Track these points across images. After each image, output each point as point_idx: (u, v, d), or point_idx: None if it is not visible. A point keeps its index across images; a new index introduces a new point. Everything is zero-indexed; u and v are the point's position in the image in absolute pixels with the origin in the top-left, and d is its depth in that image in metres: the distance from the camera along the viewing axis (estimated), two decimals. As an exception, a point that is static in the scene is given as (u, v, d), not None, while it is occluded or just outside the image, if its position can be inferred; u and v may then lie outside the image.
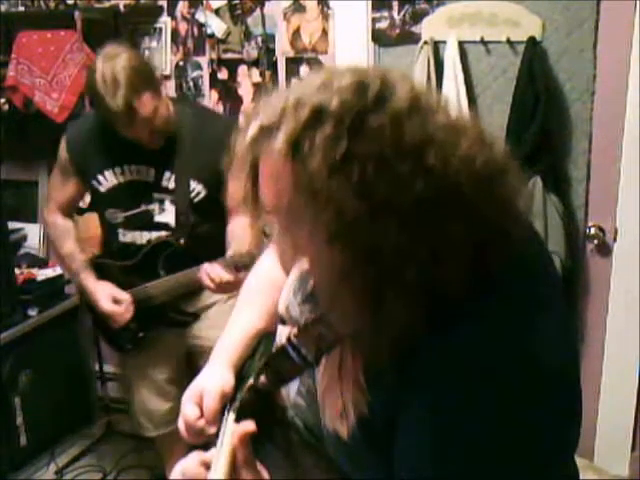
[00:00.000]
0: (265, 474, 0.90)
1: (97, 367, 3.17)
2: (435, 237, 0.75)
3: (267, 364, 0.99)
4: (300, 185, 0.75)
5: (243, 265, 2.01)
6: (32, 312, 2.78)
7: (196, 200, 2.14)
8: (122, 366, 2.53)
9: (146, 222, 2.15)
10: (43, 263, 3.02)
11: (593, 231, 2.38)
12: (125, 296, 2.16)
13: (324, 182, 0.73)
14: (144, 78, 1.96)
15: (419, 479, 0.80)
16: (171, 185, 2.13)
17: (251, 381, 1.00)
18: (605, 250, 2.40)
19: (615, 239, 2.35)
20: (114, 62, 1.91)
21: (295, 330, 0.96)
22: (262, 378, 0.98)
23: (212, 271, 2.01)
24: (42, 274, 2.94)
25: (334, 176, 0.73)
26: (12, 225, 2.97)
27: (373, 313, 0.78)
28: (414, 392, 0.79)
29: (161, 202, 2.15)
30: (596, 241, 2.39)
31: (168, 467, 2.59)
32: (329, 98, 0.75)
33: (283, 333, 1.03)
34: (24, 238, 3.15)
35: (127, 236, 2.17)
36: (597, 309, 2.43)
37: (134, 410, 2.45)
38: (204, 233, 2.19)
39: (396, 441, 0.82)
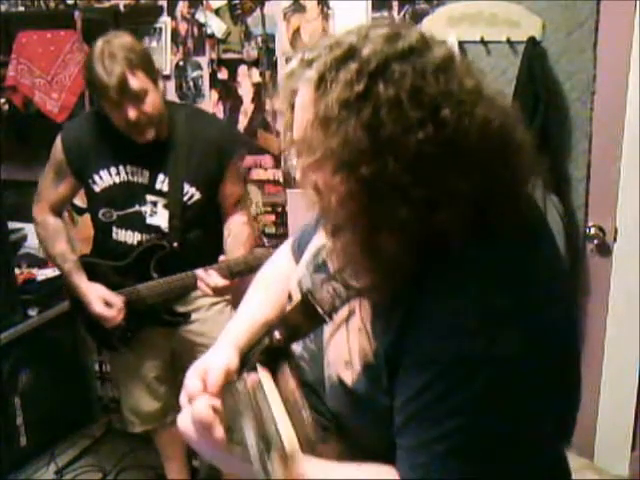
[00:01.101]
0: None
1: (97, 367, 3.18)
2: (434, 185, 0.81)
3: (283, 320, 1.03)
4: (317, 113, 0.83)
5: (238, 271, 2.02)
6: (32, 312, 2.78)
7: (189, 203, 2.14)
8: (112, 364, 2.54)
9: (138, 223, 2.15)
10: (43, 263, 3.02)
11: (593, 231, 2.38)
12: (117, 299, 2.15)
13: (337, 113, 0.81)
14: (141, 57, 2.00)
15: (417, 418, 0.84)
16: (165, 188, 2.13)
17: (266, 342, 1.04)
18: (605, 250, 2.40)
19: (615, 239, 2.35)
20: (113, 41, 1.96)
21: (311, 287, 1.01)
22: (277, 334, 1.02)
23: (207, 277, 2.01)
24: (42, 274, 2.94)
25: (347, 109, 0.80)
26: (12, 225, 2.97)
27: (369, 246, 0.84)
28: (416, 336, 0.83)
29: (154, 204, 2.15)
30: (596, 241, 2.39)
31: (168, 467, 2.60)
32: (363, 43, 0.83)
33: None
34: (24, 238, 3.15)
35: (120, 235, 2.17)
36: (597, 309, 2.43)
37: (122, 406, 2.47)
38: (197, 236, 2.19)
39: (398, 383, 0.86)
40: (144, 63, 2.00)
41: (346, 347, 0.94)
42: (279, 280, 1.21)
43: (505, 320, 0.81)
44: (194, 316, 2.26)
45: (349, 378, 0.92)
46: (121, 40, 1.98)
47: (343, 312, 0.97)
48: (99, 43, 1.97)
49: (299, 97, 0.87)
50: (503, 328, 0.81)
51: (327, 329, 1.00)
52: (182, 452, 2.59)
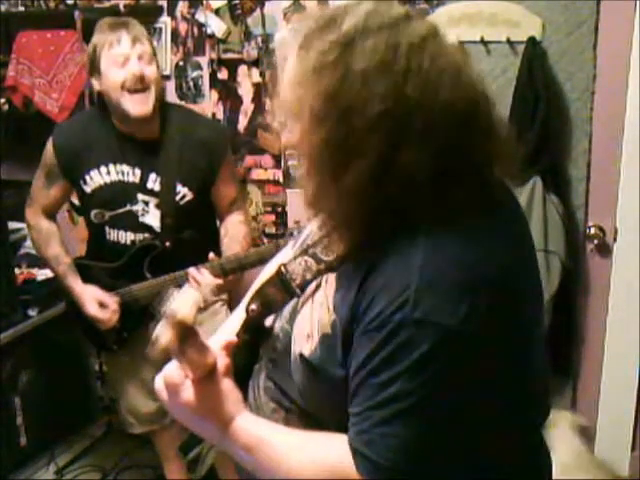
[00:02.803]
0: (237, 392, 0.99)
1: (97, 367, 3.17)
2: (387, 157, 0.85)
3: (259, 291, 1.06)
4: (292, 78, 0.90)
5: (231, 269, 2.02)
6: (32, 312, 2.78)
7: (182, 203, 2.14)
8: (108, 365, 2.54)
9: (131, 223, 2.14)
10: (43, 263, 3.01)
11: (593, 231, 2.38)
12: (111, 301, 2.15)
13: (306, 79, 0.87)
14: (149, 37, 2.12)
15: (364, 384, 0.86)
16: (156, 187, 2.13)
17: (245, 316, 1.07)
18: (605, 250, 2.40)
19: (615, 239, 2.35)
20: (118, 17, 2.12)
21: (286, 261, 1.05)
22: (253, 306, 1.06)
23: (199, 276, 2.01)
24: (42, 274, 2.94)
25: (315, 76, 0.86)
26: (12, 225, 2.97)
27: (319, 208, 0.92)
28: (366, 305, 0.87)
29: (146, 204, 2.14)
30: (596, 241, 2.39)
31: (167, 467, 2.60)
32: (345, 16, 0.88)
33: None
34: (24, 238, 3.15)
35: (112, 235, 2.17)
36: (597, 309, 2.43)
37: (120, 408, 2.46)
38: (189, 236, 2.18)
39: (351, 354, 0.89)
40: (151, 43, 2.11)
41: (309, 321, 0.96)
42: None
43: (451, 289, 0.83)
44: None
45: (307, 350, 0.94)
46: (129, 18, 2.12)
47: (311, 287, 1.01)
48: (101, 22, 2.08)
49: (289, 61, 0.92)
50: (448, 296, 0.83)
51: (300, 303, 1.02)
52: (181, 454, 2.59)
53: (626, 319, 2.37)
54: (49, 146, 2.17)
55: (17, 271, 2.88)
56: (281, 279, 1.03)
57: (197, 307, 0.95)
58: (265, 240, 2.83)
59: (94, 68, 2.06)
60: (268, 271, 1.23)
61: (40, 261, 3.01)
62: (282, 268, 1.04)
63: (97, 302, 2.15)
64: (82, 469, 2.91)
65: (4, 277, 2.67)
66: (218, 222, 2.29)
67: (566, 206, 2.34)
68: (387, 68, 0.85)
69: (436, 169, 0.86)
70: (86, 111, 2.24)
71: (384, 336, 0.83)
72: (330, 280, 0.97)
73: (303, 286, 1.01)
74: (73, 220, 3.08)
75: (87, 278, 2.20)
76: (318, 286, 0.99)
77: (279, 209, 2.80)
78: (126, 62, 2.00)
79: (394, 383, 0.83)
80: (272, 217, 2.82)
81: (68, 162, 2.15)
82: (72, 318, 2.34)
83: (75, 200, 2.78)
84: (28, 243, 3.14)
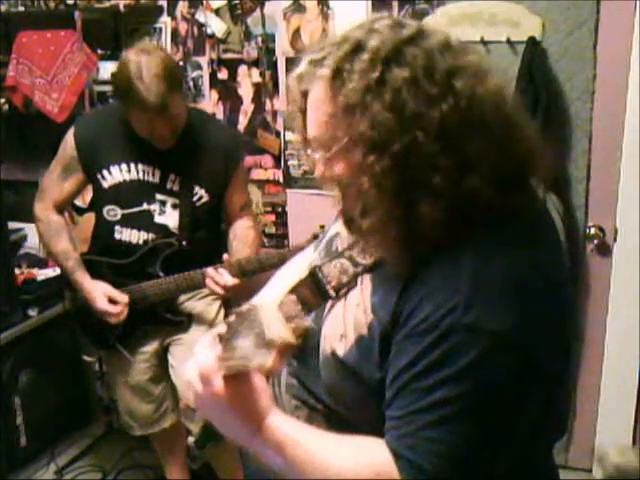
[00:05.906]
0: (268, 389, 0.97)
1: (97, 367, 3.17)
2: (461, 151, 0.85)
3: (293, 290, 1.04)
4: (339, 103, 0.87)
5: (250, 270, 2.03)
6: (32, 312, 2.78)
7: (198, 204, 2.16)
8: (107, 364, 2.54)
9: (145, 222, 2.15)
10: (43, 263, 3.01)
11: (593, 231, 2.39)
12: (122, 296, 2.15)
13: (360, 100, 0.85)
14: (178, 79, 2.01)
15: (408, 388, 0.85)
16: (175, 188, 2.14)
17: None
18: (605, 250, 2.40)
19: (615, 239, 2.36)
20: (151, 57, 1.92)
21: (321, 262, 1.04)
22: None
23: (217, 275, 2.02)
24: (42, 274, 2.94)
25: (368, 95, 0.85)
26: (12, 225, 2.97)
27: (405, 215, 0.87)
28: (410, 308, 0.86)
29: (163, 204, 2.15)
30: (596, 241, 2.39)
31: (167, 467, 2.59)
32: (370, 35, 0.89)
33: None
34: (24, 238, 3.15)
35: (123, 234, 2.16)
36: (597, 309, 2.43)
37: (120, 410, 2.46)
38: (203, 237, 2.20)
39: (391, 357, 0.88)
40: (180, 83, 2.03)
41: (342, 321, 0.96)
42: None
43: (499, 295, 0.83)
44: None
45: (341, 350, 0.94)
46: (158, 57, 1.93)
47: (345, 288, 1.00)
48: (133, 57, 1.92)
49: (312, 96, 0.90)
50: (499, 302, 0.83)
51: (329, 304, 1.01)
52: (182, 455, 2.58)
53: (626, 319, 2.37)
54: (69, 138, 2.16)
55: (17, 271, 2.88)
56: (316, 281, 1.02)
57: (287, 323, 0.93)
58: (265, 240, 2.83)
59: (122, 103, 2.00)
60: (288, 272, 1.22)
61: (40, 261, 3.03)
62: (317, 270, 1.02)
63: (107, 298, 2.15)
64: (82, 469, 2.91)
65: (4, 277, 2.67)
66: (226, 226, 2.30)
67: (566, 206, 2.34)
68: (432, 71, 0.85)
69: (495, 163, 0.86)
70: (108, 105, 2.21)
71: (432, 340, 0.83)
72: (365, 281, 0.96)
73: (338, 289, 1.00)
74: (73, 220, 3.08)
75: (94, 274, 2.20)
76: (352, 286, 0.98)
77: (279, 209, 2.80)
78: (153, 124, 1.98)
79: (441, 388, 0.82)
80: (272, 217, 2.82)
81: (88, 154, 2.14)
82: (71, 315, 2.34)
83: (77, 201, 2.78)
84: (28, 243, 3.15)
